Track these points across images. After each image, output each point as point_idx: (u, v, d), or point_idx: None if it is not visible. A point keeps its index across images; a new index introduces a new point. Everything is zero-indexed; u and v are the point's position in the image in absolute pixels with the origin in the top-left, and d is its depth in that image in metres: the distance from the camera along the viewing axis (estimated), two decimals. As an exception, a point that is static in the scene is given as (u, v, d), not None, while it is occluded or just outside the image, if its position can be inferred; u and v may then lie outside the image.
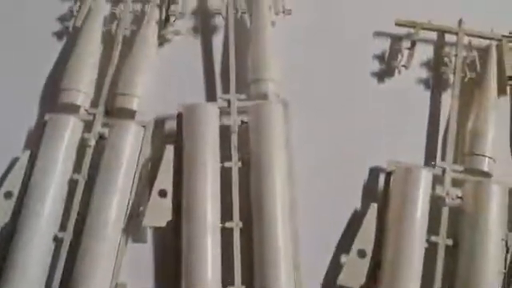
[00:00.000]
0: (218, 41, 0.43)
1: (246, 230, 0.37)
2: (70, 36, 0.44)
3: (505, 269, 0.35)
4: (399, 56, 0.41)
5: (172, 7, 0.44)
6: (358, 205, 0.38)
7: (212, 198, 0.37)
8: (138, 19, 0.44)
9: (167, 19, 0.44)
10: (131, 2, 0.44)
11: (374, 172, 0.39)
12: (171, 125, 0.40)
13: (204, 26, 0.44)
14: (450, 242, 0.36)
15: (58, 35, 0.45)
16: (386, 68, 0.42)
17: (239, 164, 0.38)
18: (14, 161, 0.40)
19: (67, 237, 0.37)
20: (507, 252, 0.35)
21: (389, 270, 0.35)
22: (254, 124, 0.39)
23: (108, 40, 0.43)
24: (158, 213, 0.37)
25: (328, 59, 0.42)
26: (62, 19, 0.45)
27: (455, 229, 0.36)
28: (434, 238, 0.36)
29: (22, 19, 0.45)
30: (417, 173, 0.37)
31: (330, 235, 0.37)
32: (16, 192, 0.39)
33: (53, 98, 0.41)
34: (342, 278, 0.35)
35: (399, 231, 0.35)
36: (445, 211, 0.36)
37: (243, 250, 0.36)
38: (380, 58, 0.42)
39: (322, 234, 0.37)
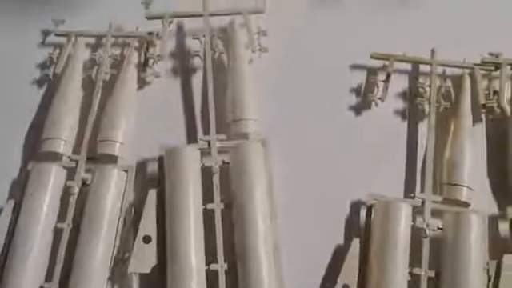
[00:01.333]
0: (197, 82, 0.45)
1: (231, 272, 0.37)
2: (50, 83, 0.45)
3: (487, 298, 0.36)
4: (375, 88, 0.43)
5: (150, 50, 0.45)
6: (340, 240, 0.39)
7: (195, 241, 0.38)
8: (118, 63, 0.45)
9: (146, 62, 0.45)
10: (110, 46, 0.45)
11: (355, 206, 0.39)
12: (153, 168, 0.41)
13: (183, 68, 0.45)
14: (432, 273, 0.36)
15: (39, 83, 0.46)
16: (363, 101, 0.43)
17: (222, 205, 0.39)
18: (-2, 212, 0.41)
19: (53, 287, 0.38)
20: (489, 280, 0.36)
21: (373, 304, 0.36)
22: (235, 164, 0.40)
23: (88, 85, 0.44)
24: (143, 259, 0.37)
25: (305, 94, 0.43)
26: (43, 66, 0.46)
27: (437, 260, 0.37)
28: (416, 270, 0.36)
29: (2, 67, 0.46)
30: (396, 206, 0.37)
31: (315, 272, 0.38)
32: (1, 242, 0.39)
33: (35, 147, 0.42)
34: (327, 317, 0.36)
35: (382, 265, 0.36)
36: (426, 243, 0.37)
37: (229, 291, 0.37)
38: (356, 90, 0.43)
39: (306, 272, 0.38)
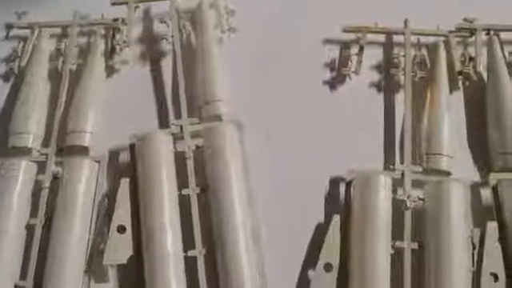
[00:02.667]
0: (167, 66, 0.43)
1: (210, 257, 0.37)
2: (16, 77, 0.44)
3: (473, 266, 0.35)
4: (349, 62, 0.42)
5: (117, 37, 0.44)
6: (321, 218, 0.38)
7: (171, 228, 0.37)
8: (84, 53, 0.44)
9: (113, 49, 0.44)
10: (76, 35, 0.44)
11: (334, 182, 0.39)
12: (125, 157, 0.40)
13: (151, 53, 0.44)
14: (415, 245, 0.36)
15: (4, 77, 0.45)
16: (337, 75, 0.42)
17: (197, 190, 0.38)
18: (-32, 211, 0.40)
19: (28, 285, 0.37)
20: (474, 249, 0.36)
21: (357, 280, 0.35)
22: (209, 148, 0.39)
23: (55, 77, 0.43)
24: (119, 250, 0.37)
25: (278, 72, 0.42)
26: (7, 60, 0.45)
27: (420, 231, 0.36)
28: (399, 243, 0.36)
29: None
30: (376, 179, 0.37)
31: (296, 252, 0.37)
32: (-28, 243, 0.39)
33: (3, 143, 0.41)
34: (310, 295, 0.36)
35: (363, 240, 0.35)
36: (407, 215, 0.36)
37: (209, 277, 0.36)
38: (330, 65, 0.42)
39: (287, 252, 0.37)
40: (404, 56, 0.41)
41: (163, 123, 0.42)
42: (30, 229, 0.39)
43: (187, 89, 0.41)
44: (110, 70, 0.44)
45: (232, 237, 0.36)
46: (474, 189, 0.38)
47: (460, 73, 0.40)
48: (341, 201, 0.38)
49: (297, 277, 0.37)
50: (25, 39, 0.45)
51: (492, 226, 0.36)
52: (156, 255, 0.36)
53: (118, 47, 0.44)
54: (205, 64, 0.41)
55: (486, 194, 0.37)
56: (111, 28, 0.44)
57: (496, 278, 0.35)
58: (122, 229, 0.37)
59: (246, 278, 0.35)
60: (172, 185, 0.38)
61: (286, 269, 0.37)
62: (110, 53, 0.44)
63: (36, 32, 0.45)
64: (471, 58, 0.41)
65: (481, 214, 0.37)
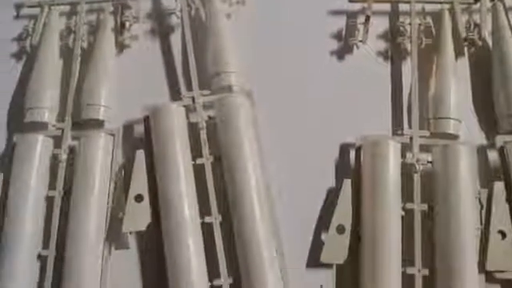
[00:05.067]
0: (176, 40, 0.45)
1: (226, 223, 0.39)
2: (28, 55, 0.46)
3: (481, 224, 0.37)
4: (356, 32, 0.43)
5: (126, 13, 0.45)
6: (332, 183, 0.40)
7: (188, 196, 0.39)
8: (94, 30, 0.45)
9: (123, 26, 0.45)
10: (85, 13, 0.46)
11: (344, 149, 0.40)
12: (139, 129, 0.42)
13: (160, 28, 0.45)
14: (424, 207, 0.38)
15: (17, 55, 0.46)
16: (344, 45, 0.44)
17: (211, 159, 0.40)
18: (-13, 186, 0.42)
19: (51, 254, 0.39)
20: (482, 208, 0.38)
21: (369, 241, 0.37)
22: (221, 118, 0.40)
23: (67, 53, 0.45)
24: (137, 217, 0.39)
25: (286, 44, 0.44)
26: (19, 39, 0.47)
27: (429, 193, 0.38)
28: (409, 205, 0.38)
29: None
30: (385, 144, 0.38)
31: (309, 216, 0.39)
32: (-7, 215, 0.41)
33: (19, 119, 0.43)
34: (324, 256, 0.37)
35: (374, 203, 0.37)
36: (416, 177, 0.38)
37: (225, 242, 0.38)
38: (337, 36, 0.44)
39: (300, 217, 0.39)
40: (410, 24, 0.42)
41: (174, 96, 0.43)
42: (49, 201, 0.41)
43: (197, 62, 0.42)
44: (121, 46, 0.45)
45: (247, 203, 0.38)
46: (481, 151, 0.39)
47: (465, 39, 0.42)
48: (351, 166, 0.40)
49: (310, 240, 0.39)
50: (35, 17, 0.46)
51: (499, 186, 0.38)
52: (174, 222, 0.38)
53: (127, 23, 0.45)
54: (214, 37, 0.43)
55: (492, 156, 0.39)
56: (120, 4, 0.46)
57: (503, 235, 0.37)
58: (139, 198, 0.39)
59: (262, 242, 0.37)
60: (186, 154, 0.40)
61: (300, 232, 0.39)
62: (119, 29, 0.45)
63: (46, 10, 0.46)
64: (476, 25, 0.42)
65: (488, 175, 0.39)
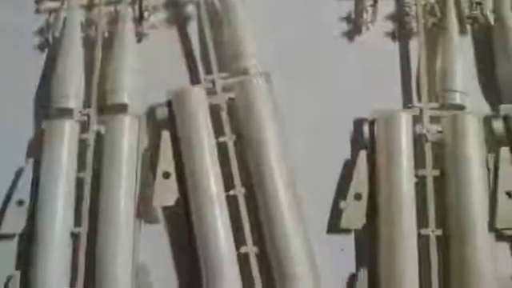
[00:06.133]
0: (193, 28, 0.48)
1: (249, 196, 0.42)
2: (51, 47, 0.49)
3: (489, 186, 0.40)
4: (364, 14, 0.46)
5: (144, 3, 0.48)
6: (348, 156, 0.43)
7: (213, 172, 0.42)
8: (114, 20, 0.48)
9: (141, 15, 0.49)
10: (104, 5, 0.49)
11: (358, 123, 0.44)
12: (162, 114, 0.44)
13: (178, 16, 0.48)
14: (436, 172, 0.41)
15: (40, 48, 0.49)
16: (354, 27, 0.47)
17: (233, 137, 0.43)
18: (20, 171, 0.44)
19: (83, 231, 0.42)
20: (489, 172, 0.41)
21: (384, 206, 0.40)
22: (241, 99, 0.44)
23: (89, 44, 0.48)
24: (165, 193, 0.42)
25: (299, 27, 0.47)
26: (41, 32, 0.49)
27: (440, 160, 0.41)
28: (421, 172, 0.41)
29: (2, 40, 0.49)
30: (397, 116, 0.42)
31: (328, 187, 0.42)
32: (27, 199, 0.43)
33: (47, 107, 0.46)
34: (344, 222, 0.40)
35: (389, 170, 0.40)
36: (427, 146, 0.41)
37: (250, 213, 0.41)
38: (347, 18, 0.47)
39: (319, 188, 0.42)
40: (415, 5, 0.45)
41: (194, 81, 0.46)
42: (79, 182, 0.43)
43: (215, 47, 0.45)
44: (140, 35, 0.48)
45: (269, 177, 0.41)
46: (487, 120, 0.42)
47: (468, 17, 0.45)
48: (365, 139, 0.43)
49: (330, 208, 0.42)
50: (56, 11, 0.49)
51: (505, 151, 0.41)
52: (202, 196, 0.41)
53: (146, 13, 0.48)
54: (231, 23, 0.46)
55: (498, 124, 0.42)
56: (138, -5, 0.49)
57: (510, 195, 0.40)
58: (167, 175, 0.42)
59: (284, 212, 0.40)
60: (210, 134, 0.43)
61: (320, 202, 0.42)
62: (138, 19, 0.48)
63: (66, 3, 0.49)
64: (478, 3, 0.45)
65: (494, 143, 0.42)
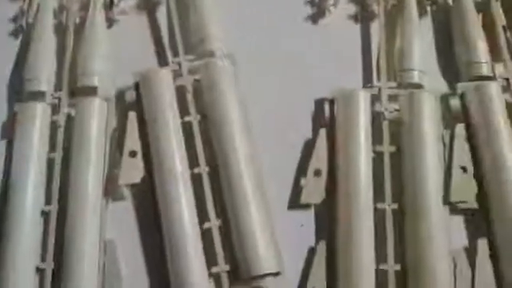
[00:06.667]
0: (162, 13, 0.49)
1: (213, 174, 0.43)
2: (25, 33, 0.50)
3: (444, 162, 0.42)
4: (328, -3, 0.49)
5: (115, -11, 0.51)
6: (309, 135, 0.44)
7: (178, 150, 0.43)
8: (85, 6, 0.49)
9: (112, 2, 0.50)
10: (75, -9, 0.51)
11: (320, 103, 0.45)
12: (131, 96, 0.46)
13: (148, 2, 0.50)
14: (393, 148, 0.42)
15: (14, 34, 0.51)
16: (318, 10, 0.48)
17: (198, 117, 0.45)
18: (-8, 151, 0.46)
19: (53, 209, 0.43)
20: (444, 147, 0.42)
21: (343, 182, 0.41)
22: (206, 81, 0.45)
23: (61, 30, 0.49)
24: (132, 171, 0.43)
25: (264, 10, 0.48)
26: (15, 19, 0.51)
27: (397, 137, 0.43)
28: (379, 148, 0.42)
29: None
30: (356, 95, 0.43)
31: (289, 165, 0.44)
32: (-1, 178, 0.45)
33: (19, 91, 0.47)
34: (304, 197, 0.42)
35: (347, 147, 0.42)
36: (385, 124, 0.43)
37: (213, 191, 0.43)
38: (311, 2, 0.48)
39: (281, 166, 0.44)
40: (376, -13, 0.48)
41: (162, 64, 0.48)
42: (50, 162, 0.45)
43: (181, 31, 0.47)
44: (110, 21, 0.49)
45: (232, 155, 0.42)
46: (444, 98, 0.44)
47: (427, -2, 0.47)
48: (326, 118, 0.45)
49: (291, 185, 0.43)
50: (29, -2, 0.52)
51: (460, 128, 0.42)
52: (166, 174, 0.42)
53: (116, 0, 0.50)
54: (197, 8, 0.47)
55: (454, 102, 0.44)
56: (108, -18, 0.51)
57: (464, 170, 0.41)
58: (133, 153, 0.44)
59: (247, 188, 0.41)
60: (175, 114, 0.44)
61: (282, 179, 0.43)
62: (109, 5, 0.50)
63: (39, -9, 0.52)
64: (437, -15, 0.47)
65: (451, 120, 0.43)
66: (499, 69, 0.44)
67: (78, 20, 0.49)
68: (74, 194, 0.43)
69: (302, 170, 0.43)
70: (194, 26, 0.47)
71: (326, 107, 0.45)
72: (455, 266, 0.40)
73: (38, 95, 0.47)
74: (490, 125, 0.42)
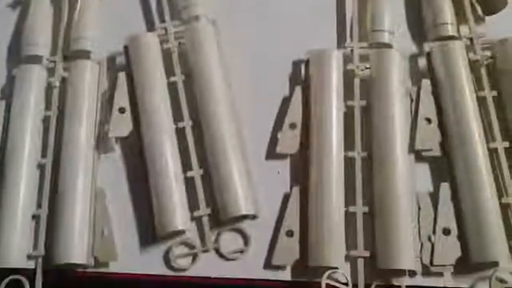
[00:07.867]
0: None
1: (196, 128, 0.47)
2: (22, 4, 0.54)
3: (411, 114, 0.45)
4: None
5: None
6: (286, 93, 0.48)
7: (164, 106, 0.47)
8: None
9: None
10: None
11: (296, 63, 0.49)
12: (121, 58, 0.50)
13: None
14: (363, 103, 0.46)
15: (13, 6, 0.55)
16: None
17: (182, 77, 0.48)
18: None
19: (48, 163, 0.47)
20: (411, 101, 0.46)
21: (316, 132, 0.45)
22: (190, 43, 0.49)
23: (56, 1, 0.53)
24: (121, 125, 0.47)
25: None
26: (14, -9, 0.56)
27: (367, 94, 0.46)
28: (350, 102, 0.46)
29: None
30: (329, 54, 0.47)
31: (267, 120, 0.47)
32: (-1, 135, 0.50)
33: (17, 56, 0.51)
34: (279, 148, 0.46)
35: (321, 101, 0.45)
36: (356, 81, 0.46)
37: (196, 143, 0.46)
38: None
39: (260, 120, 0.47)
40: (349, -45, 0.51)
41: (150, 29, 0.51)
42: (46, 120, 0.49)
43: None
44: (102, -10, 0.54)
45: (214, 110, 0.46)
46: (413, 58, 0.48)
47: (398, -37, 0.50)
48: (302, 77, 0.48)
49: (268, 138, 0.47)
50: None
51: (426, 83, 0.46)
52: (154, 129, 0.46)
53: (107, -30, 0.54)
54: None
55: (422, 61, 0.48)
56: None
57: (429, 121, 0.45)
58: (122, 110, 0.47)
59: (227, 142, 0.45)
60: (162, 74, 0.48)
61: (260, 132, 0.47)
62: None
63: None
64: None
65: (418, 77, 0.47)
66: (464, 29, 0.48)
67: (72, -10, 0.54)
68: (67, 148, 0.47)
69: (278, 124, 0.47)
70: (180, -8, 0.52)
71: (302, 67, 0.48)
72: (419, 208, 0.43)
73: (35, 59, 0.51)
74: (453, 80, 0.45)
